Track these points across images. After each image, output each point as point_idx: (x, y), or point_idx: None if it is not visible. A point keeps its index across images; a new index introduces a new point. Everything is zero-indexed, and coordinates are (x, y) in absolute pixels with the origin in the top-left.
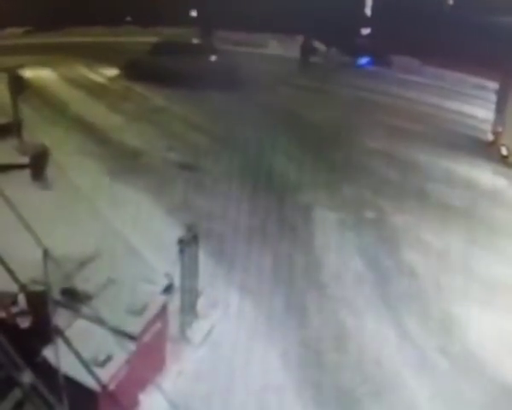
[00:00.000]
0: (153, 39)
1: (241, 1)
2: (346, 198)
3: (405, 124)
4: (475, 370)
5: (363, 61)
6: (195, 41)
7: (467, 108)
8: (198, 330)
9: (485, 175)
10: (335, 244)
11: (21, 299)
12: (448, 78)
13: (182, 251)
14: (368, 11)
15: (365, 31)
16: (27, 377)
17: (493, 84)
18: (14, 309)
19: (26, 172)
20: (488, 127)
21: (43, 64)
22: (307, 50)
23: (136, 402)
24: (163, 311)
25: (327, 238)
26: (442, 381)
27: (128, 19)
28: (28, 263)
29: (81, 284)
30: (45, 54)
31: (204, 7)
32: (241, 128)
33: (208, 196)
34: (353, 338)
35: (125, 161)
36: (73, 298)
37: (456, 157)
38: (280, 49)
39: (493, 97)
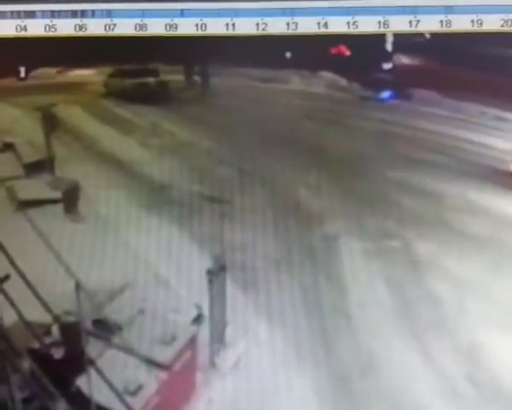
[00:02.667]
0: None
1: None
2: (370, 228)
3: (426, 155)
4: (503, 398)
5: (385, 94)
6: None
7: (487, 140)
8: (227, 358)
9: (505, 205)
10: (361, 273)
11: (55, 330)
12: (468, 110)
13: (210, 281)
14: (389, 47)
15: (387, 65)
16: (61, 406)
17: None
18: (48, 340)
19: (59, 207)
20: (509, 158)
21: (74, 102)
22: None
23: None
24: (192, 340)
25: (352, 268)
26: (469, 409)
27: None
28: (61, 295)
29: (112, 314)
30: (76, 93)
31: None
32: (266, 161)
33: (235, 227)
34: (381, 367)
35: (153, 194)
36: (105, 329)
37: (477, 187)
38: (302, 84)
39: None
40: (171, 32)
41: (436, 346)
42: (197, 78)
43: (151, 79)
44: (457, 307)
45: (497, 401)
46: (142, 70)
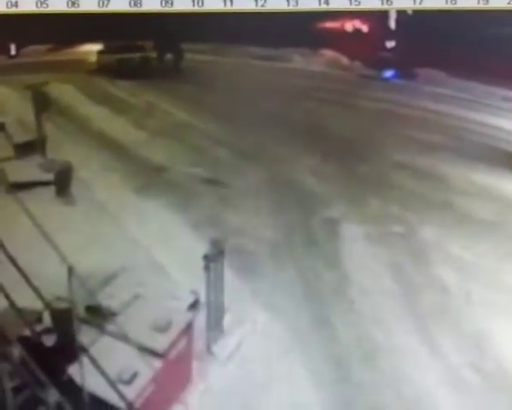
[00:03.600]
0: None
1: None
2: (373, 212)
3: (431, 136)
4: (508, 386)
5: (388, 73)
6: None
7: (494, 121)
8: (224, 346)
9: None
10: (363, 259)
11: (46, 316)
12: (475, 90)
13: (207, 267)
14: (392, 24)
15: (390, 44)
16: (52, 395)
17: None
18: (39, 327)
19: (51, 189)
20: None
21: (66, 81)
22: None
23: None
24: (189, 327)
25: (354, 253)
26: (474, 398)
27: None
28: (53, 280)
29: (106, 300)
30: (68, 71)
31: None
32: (265, 142)
33: (233, 211)
34: (383, 355)
35: (149, 177)
36: (98, 315)
37: (484, 169)
38: (303, 63)
39: None
40: (167, 8)
41: (440, 333)
42: (170, 55)
43: (136, 55)
44: (462, 293)
45: (503, 389)
46: (129, 46)
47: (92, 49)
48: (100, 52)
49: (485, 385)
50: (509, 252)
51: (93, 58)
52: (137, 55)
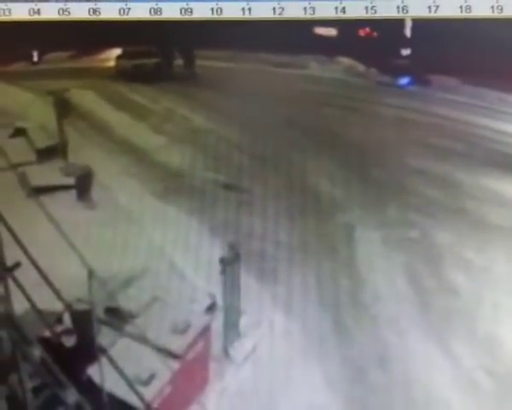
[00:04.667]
0: None
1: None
2: (388, 217)
3: (446, 143)
4: None
5: (404, 80)
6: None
7: (507, 127)
8: (241, 348)
9: None
10: (378, 263)
11: (66, 318)
12: (487, 96)
13: (224, 270)
14: (407, 32)
15: (405, 51)
16: (72, 395)
17: None
18: (59, 328)
19: (72, 193)
20: None
21: (87, 87)
22: None
23: None
24: (206, 329)
25: (370, 257)
26: (486, 401)
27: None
28: (73, 282)
29: (125, 302)
30: (89, 77)
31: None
32: (283, 148)
33: (250, 215)
34: (397, 358)
35: (168, 182)
36: (117, 317)
37: (498, 176)
38: (319, 70)
39: None
40: (186, 17)
41: (453, 337)
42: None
43: (151, 61)
44: (476, 298)
45: None
46: (144, 52)
47: (110, 55)
48: (118, 58)
49: (497, 388)
50: None
51: (111, 64)
52: (153, 60)
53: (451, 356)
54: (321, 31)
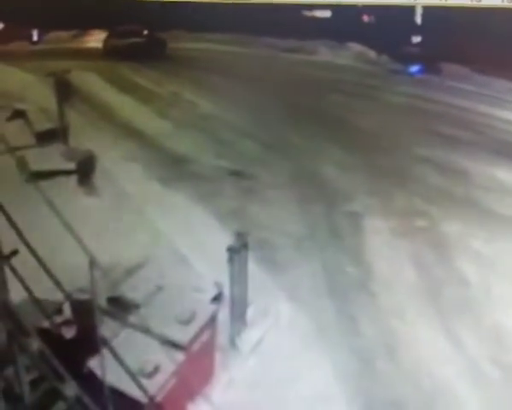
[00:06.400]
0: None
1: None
2: (396, 206)
3: (455, 131)
4: None
5: (414, 68)
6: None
7: None
8: (248, 339)
9: None
10: (386, 253)
11: (66, 308)
12: (497, 86)
13: (231, 259)
14: (418, 19)
15: (416, 38)
16: (72, 389)
17: None
18: (59, 319)
19: (73, 179)
20: None
21: (90, 69)
22: None
23: None
24: (212, 320)
25: (377, 247)
26: (494, 391)
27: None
28: (74, 271)
29: (128, 292)
30: (92, 59)
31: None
32: (291, 135)
33: (258, 203)
34: (405, 348)
35: (173, 168)
36: (120, 307)
37: (506, 165)
38: (330, 55)
39: None
40: None
41: (461, 327)
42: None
43: (140, 39)
44: (484, 288)
45: None
46: (133, 31)
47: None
48: (107, 38)
49: (505, 378)
50: None
51: (99, 44)
52: (142, 39)
53: (459, 346)
54: (317, 13)
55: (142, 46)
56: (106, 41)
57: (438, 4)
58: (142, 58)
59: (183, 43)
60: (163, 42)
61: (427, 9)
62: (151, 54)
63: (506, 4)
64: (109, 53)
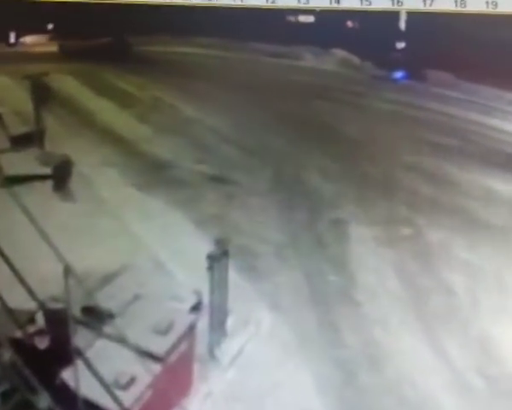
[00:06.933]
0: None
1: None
2: (381, 214)
3: (440, 139)
4: None
5: (398, 74)
6: None
7: (502, 124)
8: (227, 349)
9: None
10: (371, 261)
11: (40, 318)
12: (483, 93)
13: (211, 267)
14: (402, 25)
15: (400, 44)
16: (44, 400)
17: None
18: (32, 328)
19: (48, 184)
20: None
21: (68, 72)
22: None
23: None
24: (191, 330)
25: (361, 255)
26: (479, 402)
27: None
28: (48, 279)
29: (104, 301)
30: (71, 61)
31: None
32: (274, 141)
33: (239, 209)
34: (389, 359)
35: (152, 174)
36: (95, 316)
37: (492, 173)
38: (314, 61)
39: None
40: (179, 1)
41: (447, 338)
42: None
43: (97, 41)
44: (469, 297)
45: (508, 393)
46: (92, 33)
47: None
48: (63, 40)
49: (491, 390)
50: None
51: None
52: (104, 40)
53: (444, 356)
54: (300, 18)
55: (101, 48)
56: (61, 44)
57: (422, 10)
58: (102, 60)
59: (167, 48)
60: (127, 44)
61: (412, 15)
62: (113, 56)
63: (491, 10)
64: (66, 55)
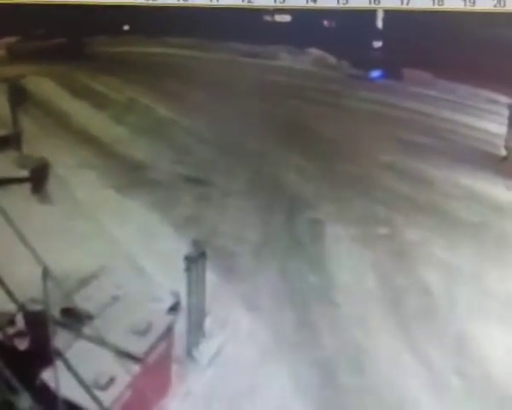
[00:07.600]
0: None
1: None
2: (358, 213)
3: (417, 138)
4: (491, 391)
5: (375, 73)
6: None
7: (479, 123)
8: (205, 350)
9: (498, 190)
10: (348, 261)
11: (19, 319)
12: (460, 91)
13: (188, 268)
14: (379, 24)
15: (377, 43)
16: (25, 401)
17: (506, 99)
18: (12, 330)
19: (26, 186)
20: (501, 142)
21: (45, 74)
22: None
23: None
24: (169, 330)
25: (339, 255)
26: (457, 402)
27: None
28: (27, 281)
29: (83, 302)
30: (46, 63)
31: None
32: (250, 141)
33: (216, 210)
34: (367, 359)
35: (129, 175)
36: (74, 318)
37: (469, 172)
38: (290, 60)
39: (506, 112)
40: (151, 2)
41: (424, 338)
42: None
43: (52, 42)
44: (446, 296)
45: (486, 394)
46: (43, 34)
47: None
48: (14, 43)
49: (469, 390)
50: (493, 255)
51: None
52: (57, 41)
53: (422, 356)
54: (277, 18)
55: (52, 49)
56: (10, 47)
57: (399, 8)
58: (53, 60)
59: (142, 48)
60: (79, 44)
61: (389, 14)
62: (65, 56)
63: (469, 8)
64: (15, 58)
